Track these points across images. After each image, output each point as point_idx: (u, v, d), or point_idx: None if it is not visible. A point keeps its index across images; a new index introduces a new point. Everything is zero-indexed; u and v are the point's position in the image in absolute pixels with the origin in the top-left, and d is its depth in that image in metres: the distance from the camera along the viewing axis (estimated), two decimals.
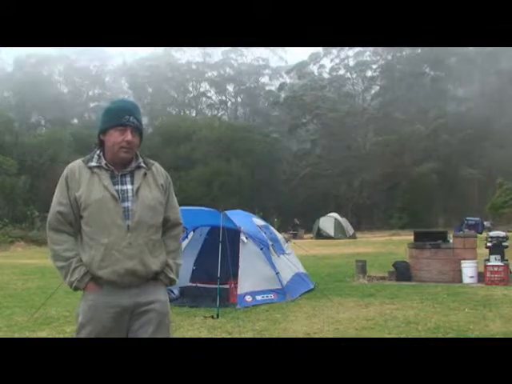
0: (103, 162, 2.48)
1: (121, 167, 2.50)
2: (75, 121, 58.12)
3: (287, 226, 32.08)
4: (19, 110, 47.08)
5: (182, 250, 2.72)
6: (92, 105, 61.38)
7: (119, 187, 2.47)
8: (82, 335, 2.44)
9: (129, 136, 2.45)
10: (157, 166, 2.62)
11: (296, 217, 34.72)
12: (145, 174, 2.53)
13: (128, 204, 2.45)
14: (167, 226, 2.61)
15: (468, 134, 41.85)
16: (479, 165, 40.34)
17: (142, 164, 2.54)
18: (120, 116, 2.45)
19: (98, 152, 2.52)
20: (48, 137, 38.81)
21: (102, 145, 2.53)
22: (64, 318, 6.86)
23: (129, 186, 2.48)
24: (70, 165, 2.54)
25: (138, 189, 2.47)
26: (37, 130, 46.88)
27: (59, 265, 2.48)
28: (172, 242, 2.63)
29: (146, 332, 2.44)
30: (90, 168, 2.48)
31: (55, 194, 2.52)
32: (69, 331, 5.97)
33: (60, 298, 8.16)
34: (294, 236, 27.18)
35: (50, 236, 2.52)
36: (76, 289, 2.48)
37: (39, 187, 33.56)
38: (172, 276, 2.57)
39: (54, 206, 2.51)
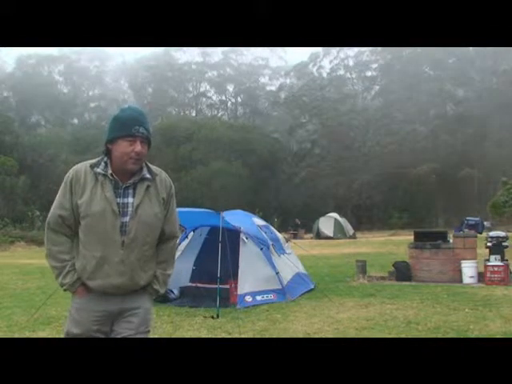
0: (109, 172, 2.45)
1: (126, 178, 2.47)
2: (75, 121, 58.14)
3: (287, 226, 32.10)
4: (19, 110, 47.15)
5: (174, 259, 2.71)
6: (92, 105, 61.36)
7: (121, 200, 2.45)
8: (71, 336, 2.50)
9: (138, 147, 2.42)
10: (161, 177, 2.57)
11: (296, 217, 34.74)
12: (147, 187, 2.49)
13: (126, 219, 2.43)
14: (162, 238, 2.60)
15: (468, 133, 41.88)
16: (479, 165, 40.33)
17: (147, 175, 2.50)
18: (129, 126, 2.42)
19: (105, 159, 2.49)
20: (48, 137, 38.90)
21: (108, 153, 2.49)
22: (64, 318, 6.84)
23: (130, 200, 2.46)
24: (76, 167, 2.52)
25: (138, 205, 2.45)
26: (37, 130, 46.90)
27: (53, 264, 2.52)
28: (163, 254, 2.62)
29: (123, 335, 2.48)
30: (96, 174, 2.45)
31: (59, 194, 2.51)
32: None
33: (60, 298, 8.14)
34: (295, 236, 27.19)
35: (48, 235, 2.52)
36: (66, 290, 2.54)
37: (39, 187, 33.60)
38: (156, 287, 2.58)
39: (56, 208, 2.49)
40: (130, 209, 2.44)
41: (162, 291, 2.63)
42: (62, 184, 2.50)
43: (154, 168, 2.57)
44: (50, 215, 2.53)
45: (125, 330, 2.48)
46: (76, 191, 2.45)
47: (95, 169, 2.46)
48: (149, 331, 2.59)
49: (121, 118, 2.47)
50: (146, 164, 2.54)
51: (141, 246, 2.46)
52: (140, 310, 2.52)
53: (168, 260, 2.64)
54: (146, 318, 2.56)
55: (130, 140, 2.42)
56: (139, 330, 2.50)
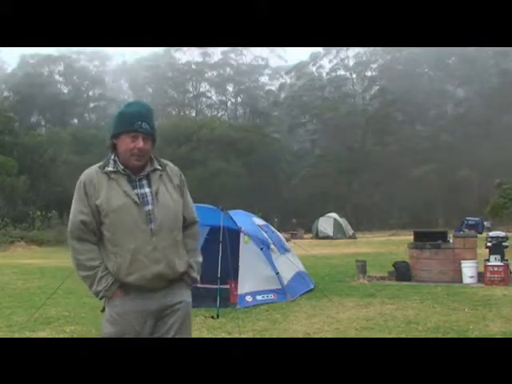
0: (120, 167, 2.45)
1: (137, 171, 2.47)
2: (75, 121, 58.13)
3: (286, 226, 32.10)
4: (19, 110, 47.05)
5: (198, 245, 2.74)
6: (92, 105, 61.35)
7: (138, 191, 2.45)
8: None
9: (140, 143, 2.42)
10: (170, 166, 2.60)
11: (296, 217, 34.75)
12: (160, 176, 2.50)
13: (149, 207, 2.43)
14: (184, 225, 2.60)
15: (468, 134, 41.88)
16: (479, 165, 40.31)
17: (157, 166, 2.52)
18: (132, 122, 2.42)
19: (112, 157, 2.49)
20: (48, 137, 38.84)
21: (114, 148, 2.49)
22: (64, 317, 6.86)
23: (147, 190, 2.46)
24: (85, 172, 2.50)
25: (156, 192, 2.45)
26: (37, 130, 46.81)
27: (83, 274, 2.45)
28: (190, 241, 2.62)
29: (169, 334, 2.47)
30: (107, 173, 2.44)
31: (74, 202, 2.47)
32: (69, 331, 5.97)
33: (60, 298, 8.17)
34: (293, 236, 27.16)
35: (73, 245, 2.47)
36: (103, 298, 2.47)
37: (39, 187, 33.57)
38: (194, 275, 2.59)
39: (76, 215, 2.45)
40: (149, 197, 2.44)
41: (198, 279, 2.64)
42: (75, 191, 2.48)
43: (162, 160, 2.60)
44: (70, 225, 2.47)
45: (168, 331, 2.47)
46: (91, 193, 2.42)
47: (105, 168, 2.46)
48: (190, 324, 2.60)
49: (125, 113, 2.47)
50: (155, 157, 2.56)
51: (170, 231, 2.46)
52: (182, 305, 2.52)
53: (196, 247, 2.67)
54: (188, 313, 2.57)
55: (133, 135, 2.42)
56: (182, 325, 2.50)
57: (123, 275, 2.41)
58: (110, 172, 2.44)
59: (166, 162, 2.60)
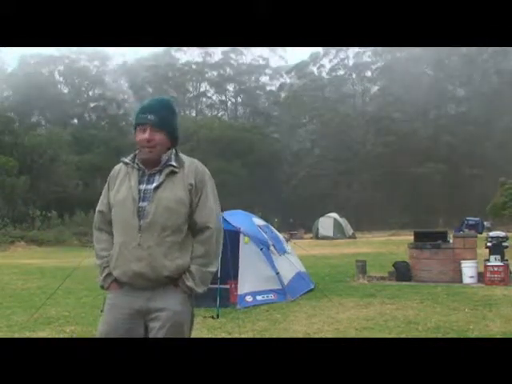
0: (135, 161, 2.48)
1: (151, 166, 2.44)
2: (75, 121, 58.13)
3: (286, 226, 32.13)
4: (19, 110, 47.08)
5: (215, 254, 2.49)
6: (92, 105, 61.34)
7: (144, 186, 2.42)
8: (103, 334, 2.46)
9: (146, 134, 2.40)
10: (192, 164, 2.48)
11: (296, 217, 34.79)
12: (171, 172, 2.42)
13: (145, 204, 2.39)
14: (195, 229, 2.45)
15: (469, 134, 41.89)
16: (479, 165, 40.31)
17: (172, 162, 2.43)
18: (139, 114, 2.45)
19: (136, 151, 2.51)
20: (48, 137, 38.80)
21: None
22: (64, 317, 6.86)
23: (153, 185, 2.42)
24: (115, 166, 2.59)
25: (156, 188, 2.39)
26: (37, 130, 46.82)
27: (96, 262, 2.54)
28: (198, 247, 2.44)
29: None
30: (126, 166, 2.49)
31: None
32: (69, 331, 5.97)
33: (60, 298, 8.16)
34: (294, 236, 27.16)
35: (94, 235, 2.58)
36: (102, 288, 2.53)
37: (39, 187, 33.56)
38: (189, 284, 2.40)
39: (98, 205, 2.56)
40: (150, 193, 2.41)
41: (198, 290, 2.44)
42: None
43: (184, 157, 2.51)
44: (95, 215, 2.60)
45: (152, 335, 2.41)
46: (111, 186, 2.51)
47: (123, 159, 2.51)
48: (181, 333, 2.45)
49: (138, 108, 2.51)
50: (176, 153, 2.50)
51: (160, 230, 2.35)
52: (163, 313, 2.37)
53: (206, 255, 2.43)
54: (173, 321, 2.39)
55: (141, 128, 2.43)
56: (167, 335, 2.37)
57: (112, 268, 2.45)
58: (127, 164, 2.49)
59: (188, 159, 2.50)
